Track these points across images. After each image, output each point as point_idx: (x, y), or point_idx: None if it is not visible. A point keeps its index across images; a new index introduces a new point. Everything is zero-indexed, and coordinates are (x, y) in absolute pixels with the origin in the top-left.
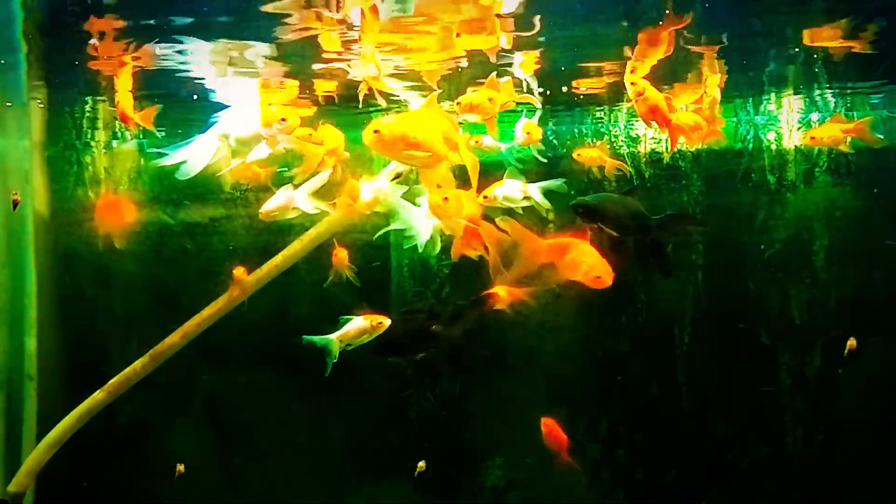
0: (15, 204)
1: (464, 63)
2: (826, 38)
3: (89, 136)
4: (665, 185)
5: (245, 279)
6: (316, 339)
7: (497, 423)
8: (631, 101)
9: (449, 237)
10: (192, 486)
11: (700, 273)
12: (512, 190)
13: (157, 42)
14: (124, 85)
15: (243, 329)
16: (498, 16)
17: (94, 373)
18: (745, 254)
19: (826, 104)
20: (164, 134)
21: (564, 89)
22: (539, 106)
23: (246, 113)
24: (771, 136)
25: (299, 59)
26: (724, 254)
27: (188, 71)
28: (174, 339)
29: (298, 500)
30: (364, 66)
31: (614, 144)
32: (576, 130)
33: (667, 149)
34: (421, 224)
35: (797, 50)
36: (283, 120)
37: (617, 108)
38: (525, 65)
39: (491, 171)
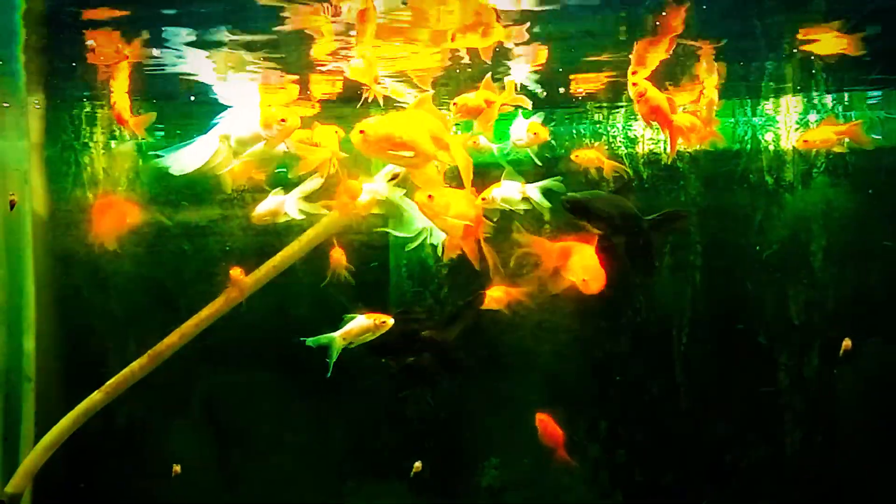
0: (12, 204)
1: (465, 61)
2: (821, 40)
3: (87, 136)
4: (663, 185)
5: (243, 280)
6: (318, 338)
7: (495, 423)
8: (632, 101)
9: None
10: (190, 486)
11: (698, 273)
12: (510, 191)
13: (153, 44)
14: (121, 86)
15: (241, 329)
16: (496, 14)
17: (93, 373)
18: (743, 254)
19: (824, 105)
20: (162, 135)
21: (562, 90)
22: (529, 108)
23: (246, 114)
24: (769, 136)
25: (296, 58)
26: (723, 254)
27: (186, 71)
28: (172, 339)
29: (296, 501)
30: (361, 68)
31: (612, 145)
32: (574, 131)
33: (665, 149)
34: (426, 224)
35: (794, 51)
36: (283, 121)
37: (615, 108)
38: (530, 63)
39: (492, 171)
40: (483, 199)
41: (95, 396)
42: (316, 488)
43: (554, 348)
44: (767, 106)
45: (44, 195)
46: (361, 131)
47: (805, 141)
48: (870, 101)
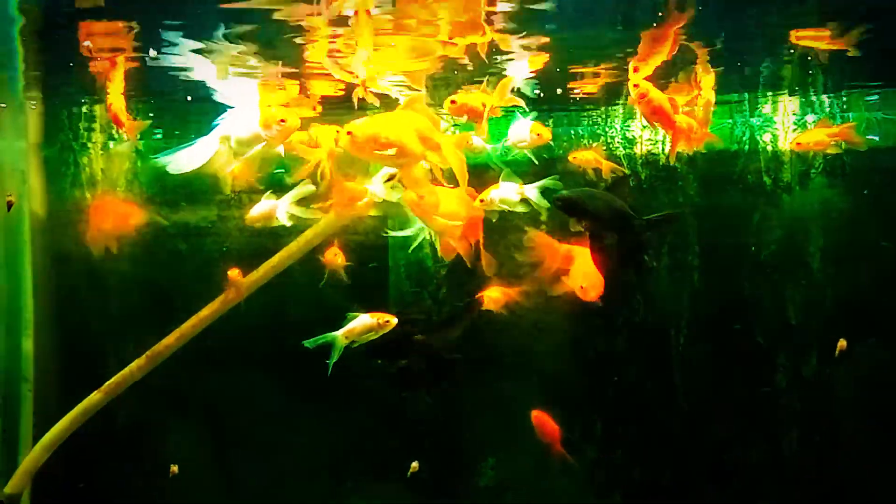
0: (9, 205)
1: (464, 61)
2: (815, 40)
3: (86, 136)
4: (661, 186)
5: (241, 281)
6: (320, 338)
7: (494, 423)
8: (632, 102)
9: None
10: (188, 486)
11: (696, 274)
12: (508, 192)
13: (150, 44)
14: (116, 87)
15: (240, 330)
16: (491, 14)
17: (91, 374)
18: (741, 254)
19: (822, 105)
20: (161, 135)
21: (559, 91)
22: (526, 109)
23: (246, 114)
24: (767, 137)
25: (293, 57)
26: (721, 255)
27: (184, 70)
28: (170, 340)
29: (295, 501)
30: (359, 69)
31: (610, 146)
32: (572, 132)
33: (663, 150)
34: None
35: (792, 51)
36: (283, 121)
37: (613, 109)
38: (533, 62)
39: (490, 171)
40: (482, 200)
41: (94, 397)
42: (314, 488)
43: (552, 349)
44: (765, 107)
45: (42, 195)
46: (349, 132)
47: (799, 143)
48: (868, 102)
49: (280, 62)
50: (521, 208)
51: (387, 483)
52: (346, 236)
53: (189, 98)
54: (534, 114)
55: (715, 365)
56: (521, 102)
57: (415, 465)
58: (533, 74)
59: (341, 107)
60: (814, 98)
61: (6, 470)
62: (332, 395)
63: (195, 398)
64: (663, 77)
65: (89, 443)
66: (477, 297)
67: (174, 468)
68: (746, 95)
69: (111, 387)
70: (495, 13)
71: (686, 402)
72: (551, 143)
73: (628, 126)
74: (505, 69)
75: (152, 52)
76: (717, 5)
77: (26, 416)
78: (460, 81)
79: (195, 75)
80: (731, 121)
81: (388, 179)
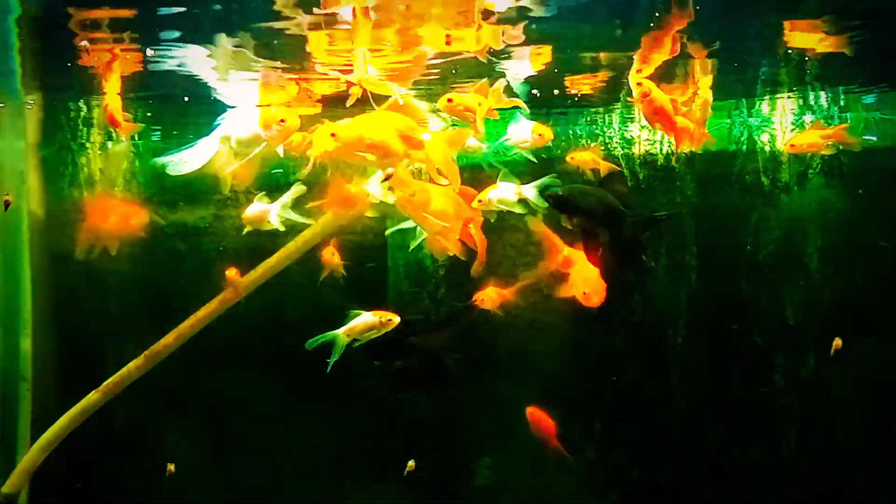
0: (7, 204)
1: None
2: (811, 39)
3: (84, 136)
4: (659, 186)
5: (239, 280)
6: (321, 337)
7: (493, 423)
8: (632, 102)
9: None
10: (186, 486)
11: (694, 274)
12: (506, 192)
13: (148, 43)
14: (113, 87)
15: (238, 330)
16: (487, 14)
17: (89, 373)
18: (739, 255)
19: (819, 106)
20: (159, 135)
21: (556, 91)
22: (526, 109)
23: (246, 114)
24: (765, 137)
25: (293, 56)
26: (719, 255)
27: (183, 70)
28: (168, 339)
29: (293, 501)
30: (357, 69)
31: (609, 146)
32: (570, 132)
33: (661, 150)
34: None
35: (790, 52)
36: (283, 121)
37: (611, 109)
38: (535, 62)
39: (487, 171)
40: (479, 200)
41: (92, 396)
42: (313, 488)
43: (550, 348)
44: (763, 107)
45: (40, 195)
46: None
47: (792, 145)
48: (865, 102)
49: (279, 60)
50: (518, 209)
51: (386, 483)
52: (345, 236)
53: (186, 98)
54: (527, 113)
55: (713, 365)
56: (521, 102)
57: (411, 463)
58: (536, 73)
59: (341, 106)
60: (811, 98)
61: (4, 469)
62: (330, 394)
63: (193, 398)
64: (661, 77)
65: (87, 442)
66: (472, 301)
67: (171, 467)
68: (744, 95)
69: (109, 386)
70: (492, 14)
71: (684, 402)
72: (549, 143)
73: (626, 126)
74: (507, 69)
75: (150, 52)
76: (716, 5)
77: (24, 415)
78: (459, 80)
79: (195, 73)
80: (728, 121)
81: (385, 179)
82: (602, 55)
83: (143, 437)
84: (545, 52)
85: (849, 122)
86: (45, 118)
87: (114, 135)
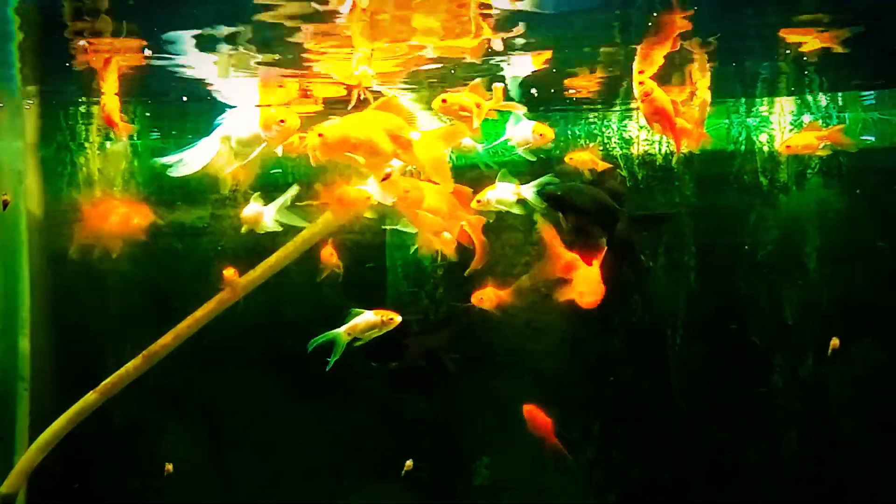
0: (5, 204)
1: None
2: (809, 39)
3: (83, 136)
4: (658, 186)
5: (237, 280)
6: (322, 336)
7: (492, 423)
8: (627, 102)
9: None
10: (185, 486)
11: (693, 274)
12: (504, 193)
13: (147, 43)
14: (110, 88)
15: (237, 330)
16: (484, 15)
17: (87, 374)
18: (737, 255)
19: (818, 106)
20: (158, 136)
21: (553, 91)
22: (522, 112)
23: (246, 114)
24: (763, 137)
25: (292, 56)
26: (717, 255)
27: (182, 70)
28: (167, 340)
29: (292, 501)
30: (356, 69)
31: (607, 146)
32: (568, 132)
33: (660, 150)
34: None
35: (788, 52)
36: (282, 121)
37: (610, 110)
38: (536, 59)
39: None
40: (478, 201)
41: (90, 397)
42: (312, 488)
43: (549, 348)
44: (762, 107)
45: (39, 195)
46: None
47: (788, 146)
48: (864, 102)
49: (278, 58)
50: (517, 209)
51: (385, 482)
52: (344, 236)
53: (185, 98)
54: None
55: (712, 365)
56: (517, 108)
57: (409, 463)
58: (537, 71)
59: (341, 105)
60: (809, 98)
61: (2, 469)
62: (329, 394)
63: (192, 398)
64: (659, 77)
65: (85, 442)
66: (468, 304)
67: (169, 467)
68: (743, 95)
69: (107, 386)
70: (490, 15)
71: (683, 402)
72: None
73: (625, 126)
74: (506, 67)
75: (147, 52)
76: (714, 5)
77: (22, 415)
78: (458, 81)
79: (194, 73)
80: (727, 121)
81: (384, 179)
82: (600, 56)
83: (141, 438)
84: (546, 52)
85: (847, 122)
86: (43, 118)
87: (112, 135)
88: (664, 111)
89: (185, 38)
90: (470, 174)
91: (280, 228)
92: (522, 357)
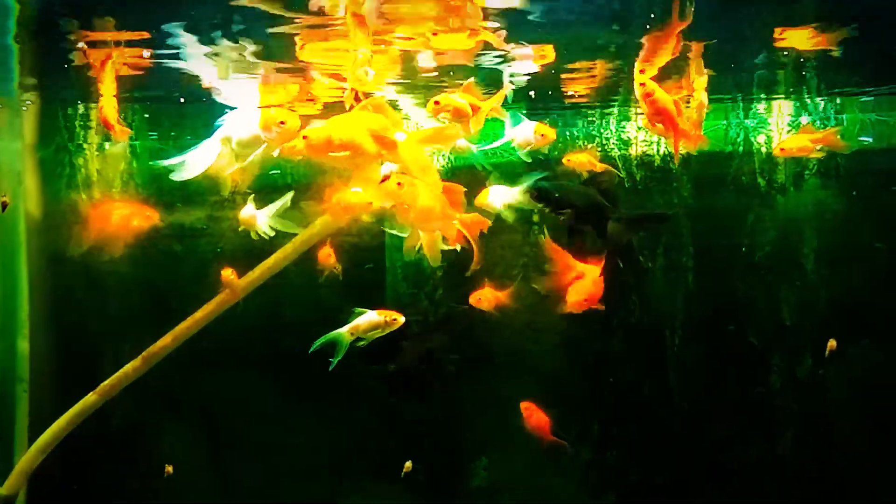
0: (4, 206)
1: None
2: (806, 41)
3: (82, 138)
4: (656, 187)
5: (235, 282)
6: (325, 337)
7: (491, 424)
8: (626, 102)
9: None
10: (184, 487)
11: (691, 275)
12: (497, 196)
13: (145, 45)
14: (108, 90)
15: (236, 331)
16: (484, 14)
17: (86, 375)
18: (735, 256)
19: (816, 107)
20: (156, 137)
21: (551, 92)
22: (507, 124)
23: (246, 115)
24: (761, 139)
25: (290, 57)
26: (715, 256)
27: (181, 71)
28: (166, 341)
29: (292, 501)
30: (355, 72)
31: (605, 147)
32: (567, 133)
33: (658, 151)
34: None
35: (786, 53)
36: (283, 123)
37: (608, 110)
38: (536, 61)
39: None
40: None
41: (89, 398)
42: (312, 488)
43: (548, 349)
44: (759, 108)
45: (37, 196)
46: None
47: (782, 149)
48: (862, 103)
49: (277, 60)
50: (508, 213)
51: (385, 483)
52: (343, 237)
53: (182, 100)
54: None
55: (710, 366)
56: (504, 113)
57: (408, 464)
58: (537, 70)
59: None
60: (807, 99)
61: (2, 471)
62: (329, 394)
63: (191, 399)
64: (657, 78)
65: (85, 444)
66: (468, 306)
67: (168, 468)
68: (740, 96)
69: (106, 388)
70: (488, 16)
71: (681, 403)
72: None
73: (623, 127)
74: (505, 67)
75: (145, 53)
76: (712, 5)
77: (22, 416)
78: (456, 82)
79: (193, 73)
80: (725, 122)
81: (382, 181)
82: (599, 56)
83: (140, 439)
84: (547, 52)
85: (844, 123)
86: (42, 119)
87: (111, 136)
88: (666, 111)
89: (185, 38)
90: (464, 175)
91: (273, 234)
92: (522, 358)
